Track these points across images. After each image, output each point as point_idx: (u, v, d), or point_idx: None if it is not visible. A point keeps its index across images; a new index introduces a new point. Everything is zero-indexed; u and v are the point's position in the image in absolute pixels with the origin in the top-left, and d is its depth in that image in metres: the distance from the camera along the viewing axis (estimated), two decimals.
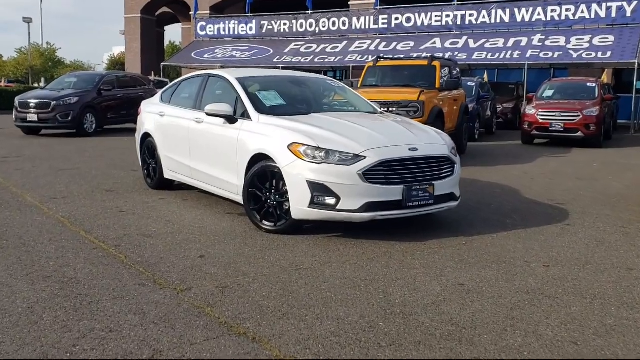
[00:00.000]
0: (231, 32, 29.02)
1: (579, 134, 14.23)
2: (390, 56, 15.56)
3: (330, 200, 5.00)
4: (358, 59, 23.58)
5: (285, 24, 27.51)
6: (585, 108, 14.33)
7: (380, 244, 5.11)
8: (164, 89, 7.96)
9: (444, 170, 5.44)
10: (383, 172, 5.04)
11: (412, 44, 23.61)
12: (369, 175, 4.97)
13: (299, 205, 5.10)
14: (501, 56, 21.23)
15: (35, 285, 4.01)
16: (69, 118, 14.99)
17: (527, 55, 20.77)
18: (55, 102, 14.88)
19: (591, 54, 19.86)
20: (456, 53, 21.82)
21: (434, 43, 23.29)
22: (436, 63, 11.76)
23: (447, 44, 22.92)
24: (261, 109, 5.93)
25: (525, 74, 20.97)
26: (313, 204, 5.04)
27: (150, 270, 4.36)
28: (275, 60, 25.41)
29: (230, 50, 27.71)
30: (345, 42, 25.55)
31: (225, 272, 4.34)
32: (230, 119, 5.98)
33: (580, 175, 9.64)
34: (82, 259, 4.61)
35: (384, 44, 24.38)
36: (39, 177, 8.53)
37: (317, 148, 5.08)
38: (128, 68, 37.08)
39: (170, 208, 6.57)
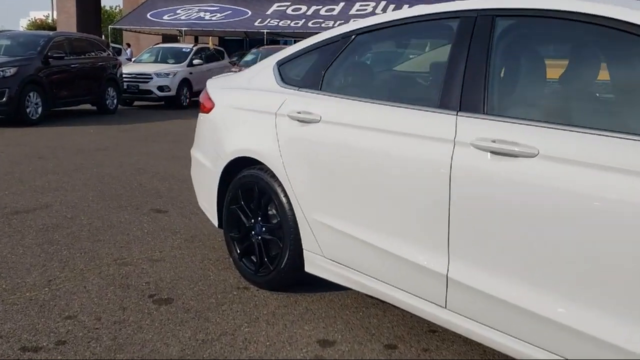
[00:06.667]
0: None
1: None
2: None
3: None
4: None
5: None
6: None
7: None
8: (289, 52, 3.32)
9: None
10: None
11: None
12: None
13: None
14: None
15: None
16: (3, 99, 9.94)
17: None
18: None
19: None
20: None
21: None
22: None
23: None
24: None
25: None
26: None
27: None
28: (256, 24, 20.70)
29: (196, 11, 22.67)
30: (342, 4, 21.10)
31: None
32: None
33: None
34: None
35: (392, 6, 20.09)
36: None
37: None
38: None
39: None
